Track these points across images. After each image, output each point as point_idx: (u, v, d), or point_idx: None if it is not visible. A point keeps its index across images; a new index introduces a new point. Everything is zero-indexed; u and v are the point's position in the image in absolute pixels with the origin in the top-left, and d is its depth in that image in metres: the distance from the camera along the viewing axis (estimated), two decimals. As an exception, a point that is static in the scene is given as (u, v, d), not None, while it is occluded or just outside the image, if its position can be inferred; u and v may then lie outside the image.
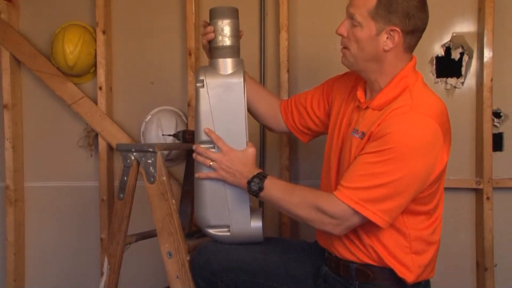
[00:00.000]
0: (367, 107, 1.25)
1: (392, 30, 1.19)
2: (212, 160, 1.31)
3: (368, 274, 1.22)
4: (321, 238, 1.37)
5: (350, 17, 1.24)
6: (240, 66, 1.35)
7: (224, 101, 1.32)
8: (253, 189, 1.25)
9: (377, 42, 1.21)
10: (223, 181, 1.32)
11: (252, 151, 1.32)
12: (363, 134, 1.20)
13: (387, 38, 1.20)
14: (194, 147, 1.34)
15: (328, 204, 1.17)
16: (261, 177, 1.26)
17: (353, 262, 1.24)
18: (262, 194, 1.25)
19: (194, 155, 1.35)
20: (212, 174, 1.32)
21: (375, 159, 1.14)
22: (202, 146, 1.33)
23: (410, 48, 1.24)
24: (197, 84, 1.33)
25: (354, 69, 1.31)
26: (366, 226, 1.20)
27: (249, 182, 1.26)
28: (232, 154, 1.30)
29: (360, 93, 1.31)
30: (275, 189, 1.25)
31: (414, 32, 1.21)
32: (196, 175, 1.35)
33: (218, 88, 1.32)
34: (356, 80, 1.37)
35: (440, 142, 1.15)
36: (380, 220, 1.14)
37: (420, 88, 1.23)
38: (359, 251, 1.23)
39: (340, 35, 1.27)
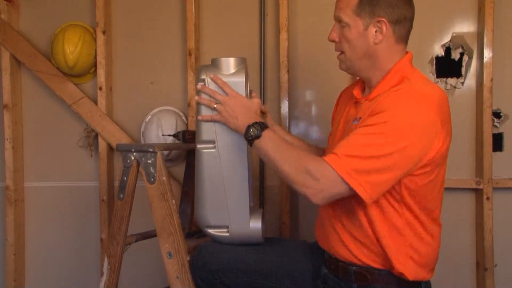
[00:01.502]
0: (365, 101, 1.26)
1: (378, 22, 1.21)
2: (217, 103, 1.30)
3: (367, 277, 1.22)
4: (320, 239, 1.37)
5: (338, 20, 1.27)
6: (242, 65, 1.35)
7: None
8: (250, 134, 1.23)
9: (367, 38, 1.22)
10: (224, 123, 1.30)
11: (257, 101, 1.33)
12: (360, 118, 1.21)
13: (375, 31, 1.22)
14: (199, 86, 1.33)
15: (317, 166, 1.13)
16: (262, 125, 1.25)
17: (352, 265, 1.24)
18: (257, 142, 1.23)
19: (197, 97, 1.34)
20: (216, 116, 1.31)
21: (368, 131, 1.13)
22: (202, 145, 1.33)
23: (401, 38, 1.25)
24: (198, 84, 1.33)
25: (351, 72, 1.32)
26: (365, 225, 1.19)
27: (249, 126, 1.24)
28: (239, 98, 1.30)
29: (356, 91, 1.33)
30: (271, 141, 1.23)
31: (401, 21, 1.22)
32: (199, 117, 1.33)
33: (219, 88, 1.32)
34: (355, 84, 1.38)
35: (437, 126, 1.14)
36: (364, 193, 1.11)
37: (419, 78, 1.23)
38: (358, 251, 1.22)
39: (332, 40, 1.30)
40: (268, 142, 1.22)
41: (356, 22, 1.22)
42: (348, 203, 1.22)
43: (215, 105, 1.30)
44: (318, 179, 1.12)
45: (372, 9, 1.21)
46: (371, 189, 1.11)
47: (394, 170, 1.12)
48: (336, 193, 1.14)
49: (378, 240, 1.20)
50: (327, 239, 1.31)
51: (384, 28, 1.21)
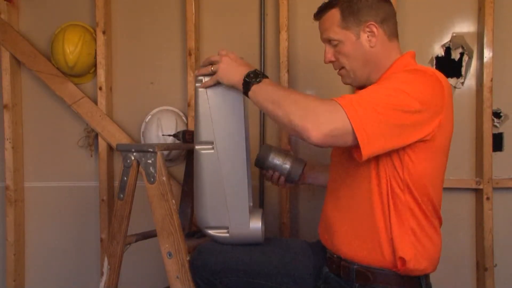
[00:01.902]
0: None
1: (368, 26, 1.25)
2: (215, 64, 1.29)
3: (368, 277, 1.22)
4: (323, 238, 1.37)
5: (328, 42, 1.31)
6: None
7: (223, 101, 1.32)
8: (251, 77, 1.20)
9: (361, 45, 1.26)
10: (221, 80, 1.28)
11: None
12: None
13: (367, 36, 1.25)
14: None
15: (323, 102, 1.09)
16: (263, 75, 1.22)
17: (354, 263, 1.24)
18: (255, 87, 1.19)
19: (196, 71, 1.35)
20: (214, 77, 1.29)
21: (380, 87, 1.14)
22: (200, 147, 1.33)
23: (392, 35, 1.28)
24: (196, 84, 1.33)
25: (357, 83, 1.33)
26: (369, 215, 1.20)
27: (249, 72, 1.21)
28: (235, 56, 1.29)
29: (357, 91, 1.34)
30: (272, 85, 1.19)
31: (386, 19, 1.27)
32: (201, 86, 1.33)
33: (217, 88, 1.32)
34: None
35: (443, 101, 1.15)
36: (362, 140, 1.06)
37: (425, 66, 1.25)
38: (362, 248, 1.22)
39: (329, 62, 1.33)
40: (269, 86, 1.18)
41: (346, 35, 1.26)
42: (351, 195, 1.23)
43: (211, 68, 1.30)
44: (321, 113, 1.06)
45: (357, 17, 1.25)
46: (371, 140, 1.07)
47: (395, 129, 1.10)
48: (333, 132, 1.05)
49: (379, 229, 1.19)
50: (330, 237, 1.31)
51: (375, 30, 1.25)
